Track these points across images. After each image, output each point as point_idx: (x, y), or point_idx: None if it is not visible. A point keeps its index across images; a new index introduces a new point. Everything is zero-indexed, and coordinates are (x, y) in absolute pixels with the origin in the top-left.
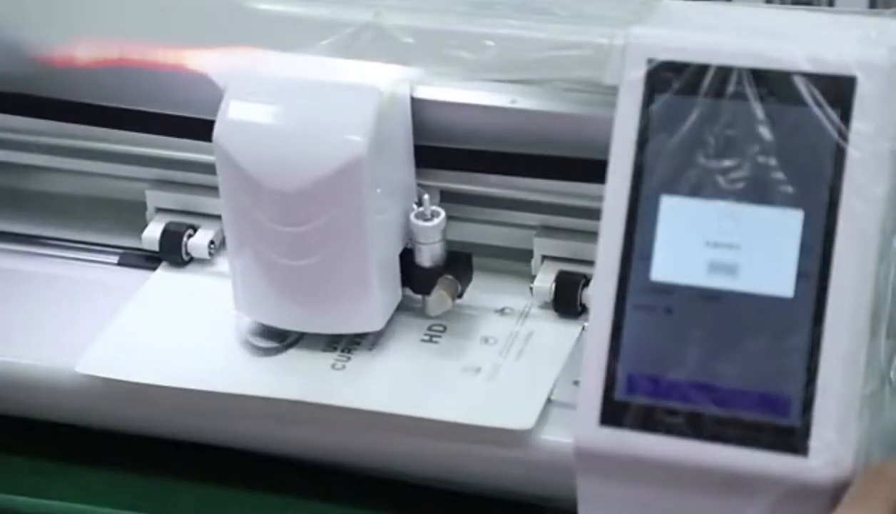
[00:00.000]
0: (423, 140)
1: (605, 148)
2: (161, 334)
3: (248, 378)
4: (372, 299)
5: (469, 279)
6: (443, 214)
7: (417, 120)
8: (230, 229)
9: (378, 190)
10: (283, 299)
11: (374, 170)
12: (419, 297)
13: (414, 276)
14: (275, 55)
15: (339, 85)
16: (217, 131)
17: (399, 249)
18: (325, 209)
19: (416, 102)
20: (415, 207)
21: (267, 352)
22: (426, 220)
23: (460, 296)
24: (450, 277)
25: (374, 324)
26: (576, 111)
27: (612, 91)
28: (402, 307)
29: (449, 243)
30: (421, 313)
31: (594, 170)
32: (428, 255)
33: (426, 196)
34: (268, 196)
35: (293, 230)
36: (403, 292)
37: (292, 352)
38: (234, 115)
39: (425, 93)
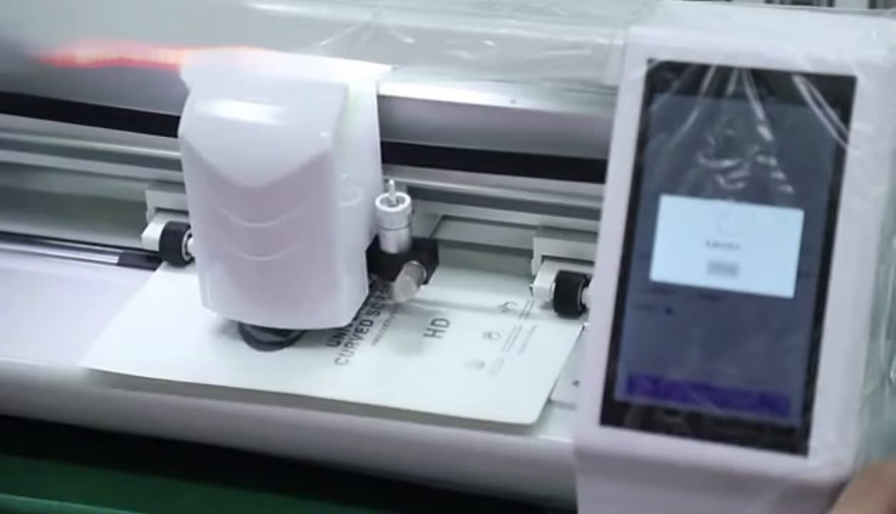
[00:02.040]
0: (390, 136)
1: (605, 148)
2: (160, 333)
3: (252, 372)
4: (338, 295)
5: (434, 266)
6: (408, 199)
7: (383, 116)
8: (197, 226)
9: (344, 186)
10: (250, 296)
11: (339, 166)
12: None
13: (380, 262)
14: (243, 52)
15: (305, 82)
16: (183, 127)
17: (366, 245)
18: (292, 205)
19: (381, 99)
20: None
21: (269, 347)
22: (391, 206)
23: (426, 282)
24: (415, 262)
25: (340, 319)
26: (576, 111)
27: (612, 91)
28: (404, 303)
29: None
30: (422, 308)
31: (594, 170)
32: (394, 241)
33: (391, 182)
34: (234, 192)
35: (259, 226)
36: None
37: (295, 347)
38: (200, 110)
39: (391, 90)
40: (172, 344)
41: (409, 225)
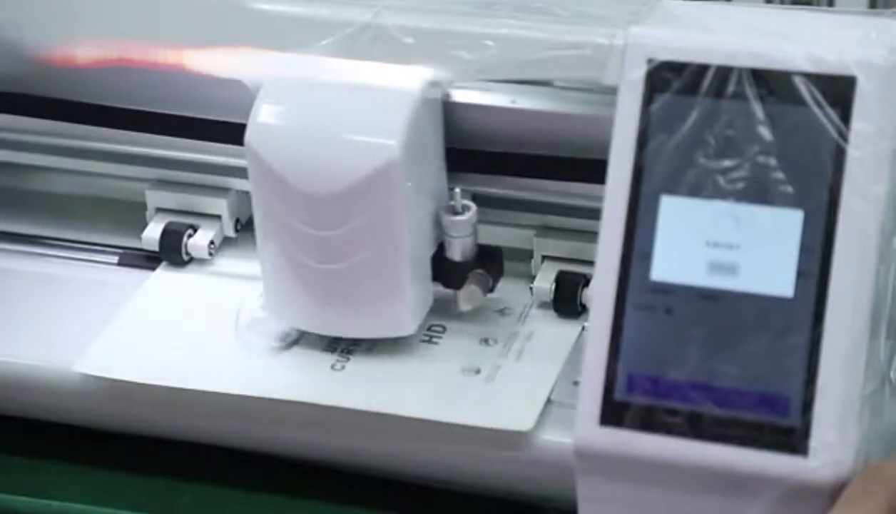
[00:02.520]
0: (456, 143)
1: (605, 148)
2: (160, 333)
3: (248, 379)
4: (404, 303)
5: (500, 274)
6: (474, 207)
7: (449, 123)
8: (262, 233)
9: (411, 194)
10: (314, 304)
11: (407, 173)
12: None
13: (445, 271)
14: (307, 58)
15: (372, 88)
16: (249, 135)
17: (431, 252)
18: (358, 213)
19: (448, 105)
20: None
21: (267, 352)
22: (457, 214)
23: (491, 290)
24: (481, 271)
25: (405, 328)
26: (576, 111)
27: (612, 91)
28: None
29: None
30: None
31: (594, 170)
32: (459, 249)
33: (457, 190)
34: (300, 200)
35: (326, 234)
36: (434, 286)
37: (292, 352)
38: (266, 118)
39: (459, 96)
40: (168, 349)
41: (475, 233)
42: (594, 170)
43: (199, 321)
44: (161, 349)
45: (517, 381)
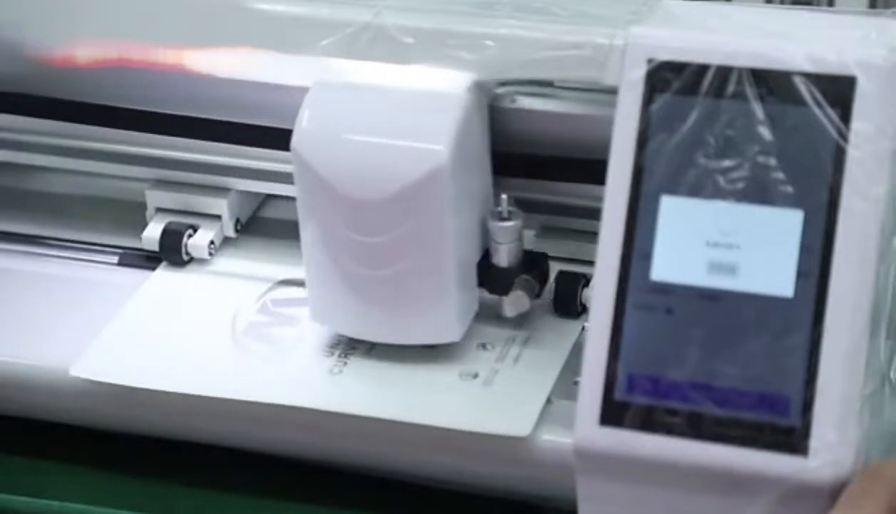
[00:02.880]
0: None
1: (605, 148)
2: (157, 336)
3: (245, 383)
4: (450, 309)
5: (545, 280)
6: (520, 214)
7: (495, 127)
8: (307, 239)
9: (458, 199)
10: (361, 310)
11: (455, 179)
12: None
13: (491, 277)
14: (352, 63)
15: (418, 92)
16: (295, 140)
17: (478, 258)
18: (406, 219)
19: (494, 110)
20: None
21: (265, 356)
22: (503, 219)
23: (537, 296)
24: (527, 277)
25: (452, 334)
26: (575, 111)
27: (612, 91)
28: None
29: None
30: None
31: (594, 170)
32: (505, 255)
33: (504, 196)
34: (347, 206)
35: (373, 240)
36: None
37: (291, 356)
38: (312, 123)
39: (504, 100)
40: (165, 352)
41: (521, 239)
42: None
43: (197, 323)
44: (158, 353)
45: (515, 386)
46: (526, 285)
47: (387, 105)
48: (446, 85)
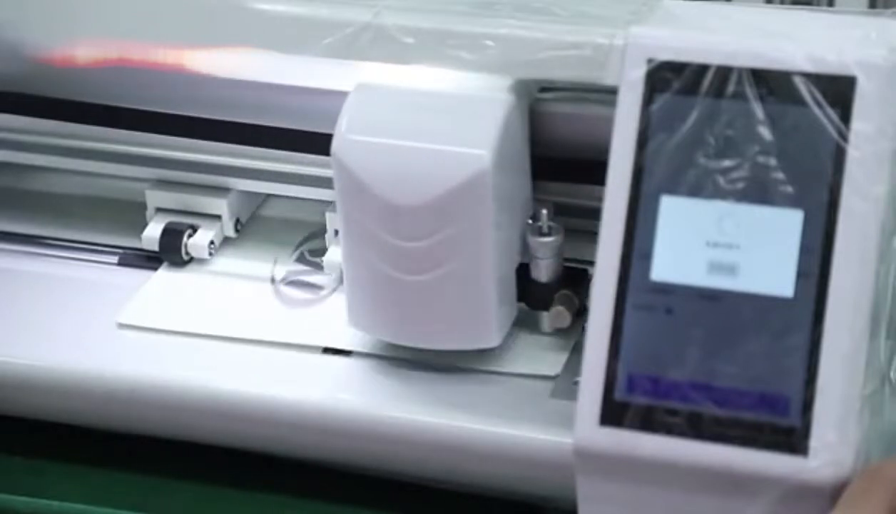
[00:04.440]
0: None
1: (605, 148)
2: (198, 289)
3: (286, 328)
4: (490, 315)
5: (586, 295)
6: (560, 229)
7: (535, 132)
8: (347, 243)
9: (499, 205)
10: (399, 315)
11: (497, 184)
12: None
13: (530, 291)
14: (393, 68)
15: (460, 96)
16: (335, 145)
17: (517, 263)
18: (448, 224)
19: (535, 115)
20: (530, 221)
21: (304, 301)
22: (543, 235)
23: (578, 313)
24: (567, 292)
25: (491, 340)
26: (575, 111)
27: (612, 91)
28: None
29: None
30: None
31: (594, 170)
32: (545, 270)
33: (544, 211)
34: (388, 211)
35: (414, 245)
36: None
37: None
38: (353, 128)
39: (545, 105)
40: (209, 303)
41: (560, 254)
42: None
43: (235, 277)
44: (201, 303)
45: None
46: (566, 301)
47: (427, 109)
48: (488, 89)
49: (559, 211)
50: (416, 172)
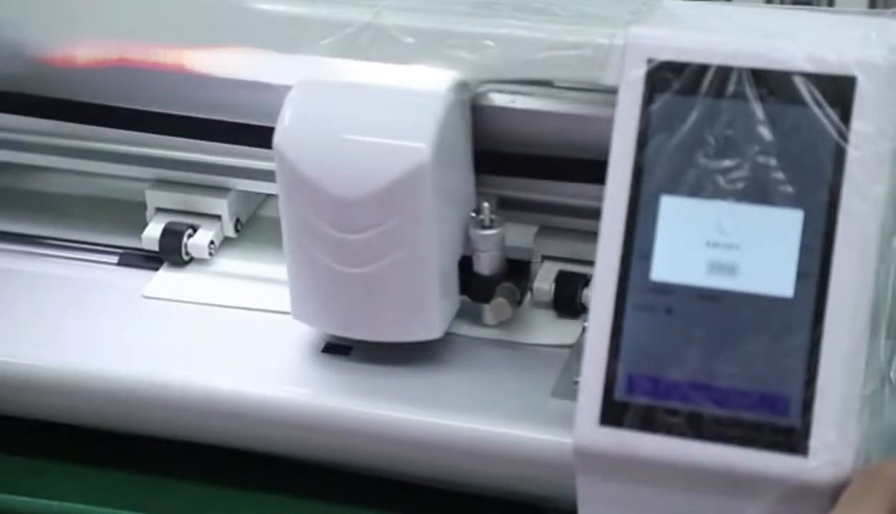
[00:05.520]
0: (484, 146)
1: (605, 148)
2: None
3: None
4: (432, 307)
5: (528, 287)
6: (503, 221)
7: (477, 126)
8: (289, 237)
9: (439, 197)
10: (341, 308)
11: (436, 177)
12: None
13: (472, 284)
14: (335, 61)
15: (401, 91)
16: (277, 138)
17: (458, 257)
18: (387, 217)
19: (477, 108)
20: (473, 214)
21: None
22: (485, 228)
23: (519, 304)
24: (509, 284)
25: (433, 332)
26: (575, 111)
27: (612, 91)
28: None
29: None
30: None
31: (594, 170)
32: (487, 263)
33: (486, 204)
34: (329, 203)
35: (355, 238)
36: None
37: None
38: (295, 121)
39: (487, 99)
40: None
41: (503, 247)
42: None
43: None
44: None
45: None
46: (508, 293)
47: (369, 103)
48: (429, 84)
49: (502, 204)
50: (357, 165)
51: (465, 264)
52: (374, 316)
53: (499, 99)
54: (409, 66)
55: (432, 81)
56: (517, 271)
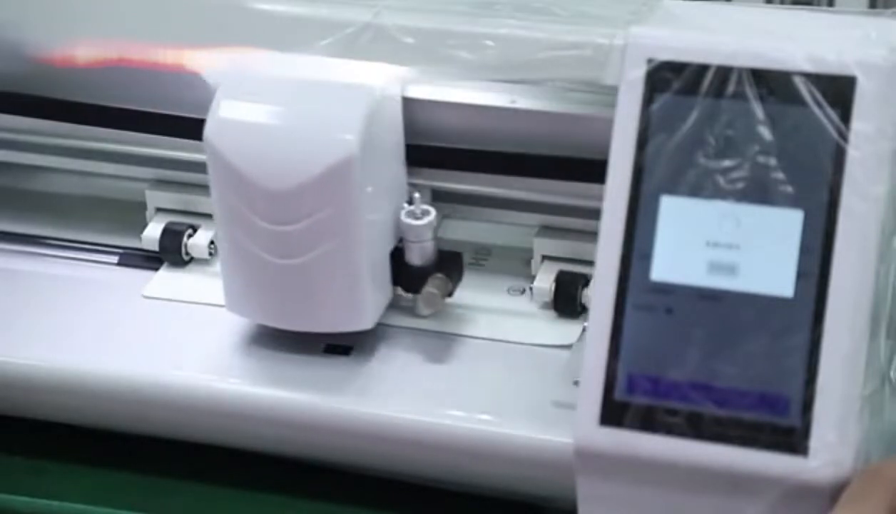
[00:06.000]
0: (415, 139)
1: (605, 148)
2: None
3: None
4: (363, 298)
5: (459, 278)
6: (433, 212)
7: (409, 119)
8: (221, 229)
9: (369, 189)
10: (273, 299)
11: (365, 169)
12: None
13: (404, 274)
14: (267, 54)
15: (330, 84)
16: (208, 130)
17: (390, 248)
18: (317, 208)
19: (407, 102)
20: (405, 205)
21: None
22: (416, 218)
23: (450, 295)
24: (441, 275)
25: (364, 322)
26: (576, 111)
27: (612, 91)
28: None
29: (446, 242)
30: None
31: (594, 170)
32: (418, 253)
33: (417, 195)
34: (259, 195)
35: (284, 229)
36: (394, 291)
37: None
38: (226, 113)
39: (417, 92)
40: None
41: (435, 237)
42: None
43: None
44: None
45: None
46: (440, 284)
47: (300, 96)
48: (359, 78)
49: (436, 196)
50: (286, 156)
51: (398, 255)
52: (305, 307)
53: (432, 92)
54: (345, 61)
55: (363, 75)
56: (450, 261)
